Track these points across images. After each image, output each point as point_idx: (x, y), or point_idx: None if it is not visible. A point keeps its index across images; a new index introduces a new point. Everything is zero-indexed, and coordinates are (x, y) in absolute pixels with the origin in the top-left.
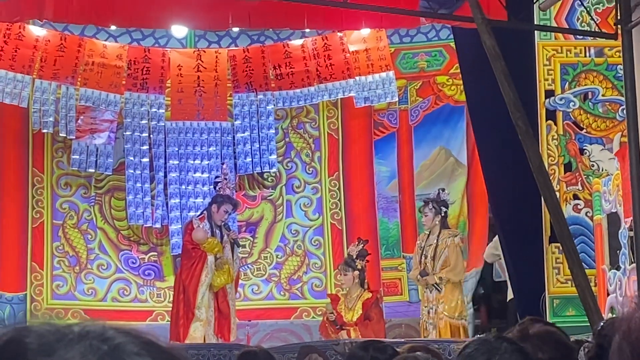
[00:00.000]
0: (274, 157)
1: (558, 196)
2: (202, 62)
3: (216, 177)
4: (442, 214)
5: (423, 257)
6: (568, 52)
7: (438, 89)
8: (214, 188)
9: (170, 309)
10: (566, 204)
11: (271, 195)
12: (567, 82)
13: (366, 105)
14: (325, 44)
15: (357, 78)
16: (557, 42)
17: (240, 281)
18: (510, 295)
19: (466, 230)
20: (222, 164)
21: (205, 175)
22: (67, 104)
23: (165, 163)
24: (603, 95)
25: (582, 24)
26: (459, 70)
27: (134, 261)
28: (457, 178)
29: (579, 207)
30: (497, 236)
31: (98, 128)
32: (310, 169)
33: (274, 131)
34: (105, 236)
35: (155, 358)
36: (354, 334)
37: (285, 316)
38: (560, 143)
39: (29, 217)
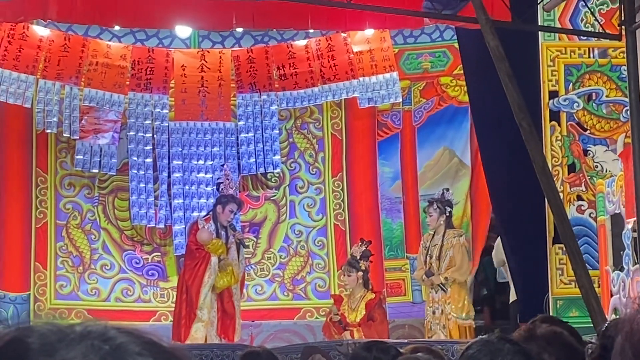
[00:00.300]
0: (277, 157)
1: (562, 197)
2: (206, 62)
3: (218, 178)
4: (447, 214)
5: (428, 257)
6: (572, 53)
7: (442, 89)
8: (217, 190)
9: (174, 309)
10: (570, 205)
11: (275, 195)
12: (571, 83)
13: (370, 105)
14: (329, 44)
15: (361, 79)
16: (561, 43)
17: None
18: (512, 297)
19: (469, 231)
20: (224, 165)
21: (209, 175)
22: (71, 104)
23: (168, 163)
24: (607, 96)
25: (586, 25)
26: (462, 71)
27: (138, 261)
28: (460, 179)
29: (582, 208)
30: (499, 239)
31: (102, 128)
32: (314, 170)
33: (277, 132)
34: (109, 236)
35: (156, 358)
36: (358, 335)
37: (289, 317)
38: (564, 144)
39: (32, 217)
